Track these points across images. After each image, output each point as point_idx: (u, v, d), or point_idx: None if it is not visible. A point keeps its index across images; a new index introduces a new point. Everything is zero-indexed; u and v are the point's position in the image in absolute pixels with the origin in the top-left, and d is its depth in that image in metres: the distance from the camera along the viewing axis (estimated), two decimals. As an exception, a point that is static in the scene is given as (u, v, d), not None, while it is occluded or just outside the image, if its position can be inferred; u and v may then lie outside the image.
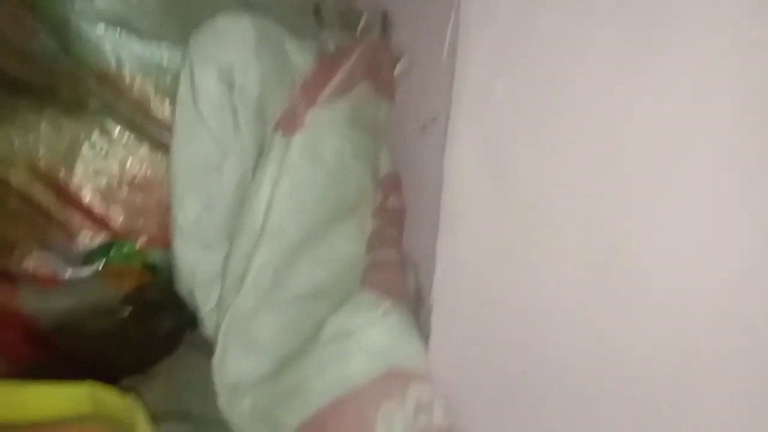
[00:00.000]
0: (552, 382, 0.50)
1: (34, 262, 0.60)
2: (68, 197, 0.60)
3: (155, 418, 0.58)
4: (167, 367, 0.81)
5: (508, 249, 0.51)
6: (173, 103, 0.62)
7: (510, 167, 0.49)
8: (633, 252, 0.40)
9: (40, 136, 0.59)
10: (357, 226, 0.71)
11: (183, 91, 0.61)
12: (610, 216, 0.42)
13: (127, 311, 0.65)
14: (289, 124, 0.65)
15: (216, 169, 0.63)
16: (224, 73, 0.60)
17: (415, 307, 0.67)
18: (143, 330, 0.70)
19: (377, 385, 0.54)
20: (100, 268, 0.62)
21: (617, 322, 0.42)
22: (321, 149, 0.66)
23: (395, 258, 0.68)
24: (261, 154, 0.66)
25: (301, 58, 0.69)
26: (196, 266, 0.65)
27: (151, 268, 0.65)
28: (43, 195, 0.60)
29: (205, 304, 0.66)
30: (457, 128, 0.53)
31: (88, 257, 0.62)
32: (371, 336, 0.56)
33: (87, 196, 0.61)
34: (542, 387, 0.51)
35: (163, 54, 0.61)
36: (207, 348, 0.83)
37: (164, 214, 0.64)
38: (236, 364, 0.59)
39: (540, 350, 0.51)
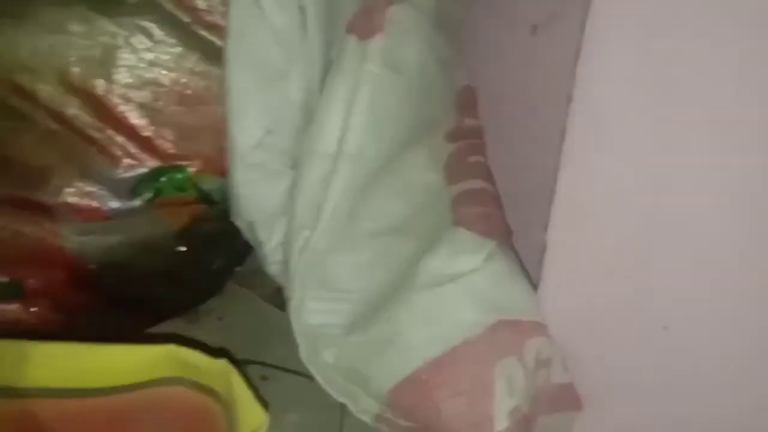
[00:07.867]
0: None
1: (75, 192, 0.51)
2: (108, 114, 0.50)
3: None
4: (216, 307, 0.74)
5: (656, 184, 0.42)
6: (226, -2, 0.51)
7: (671, 78, 0.39)
8: None
9: (70, 39, 0.48)
10: (431, 150, 0.61)
11: (240, -20, 0.49)
12: None
13: (182, 248, 0.57)
14: (365, 24, 0.54)
15: (281, 77, 0.53)
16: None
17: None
18: (196, 267, 0.62)
19: (490, 337, 0.46)
20: (150, 199, 0.53)
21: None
22: (403, 56, 0.55)
23: (488, 189, 0.58)
24: (330, 60, 0.55)
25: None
26: (258, 197, 0.55)
27: (206, 198, 0.56)
28: (78, 112, 0.49)
29: (268, 239, 0.57)
30: (605, 23, 0.41)
31: (137, 186, 0.52)
32: (478, 282, 0.48)
33: (131, 114, 0.50)
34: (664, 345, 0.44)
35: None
36: (256, 285, 0.76)
37: (220, 135, 0.54)
38: (317, 310, 0.51)
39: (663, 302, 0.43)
